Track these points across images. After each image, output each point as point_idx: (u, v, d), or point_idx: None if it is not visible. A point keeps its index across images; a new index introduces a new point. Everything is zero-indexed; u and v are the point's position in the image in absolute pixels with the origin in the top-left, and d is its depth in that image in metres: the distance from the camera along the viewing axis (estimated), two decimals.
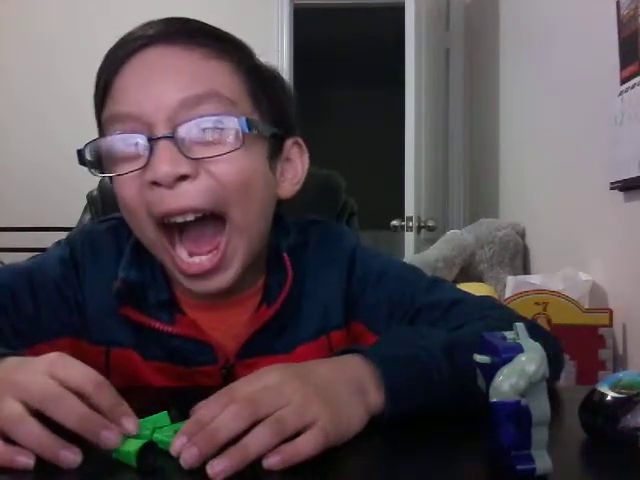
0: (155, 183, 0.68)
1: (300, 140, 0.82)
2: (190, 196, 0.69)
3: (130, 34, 0.74)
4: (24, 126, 3.53)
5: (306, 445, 0.50)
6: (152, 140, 0.69)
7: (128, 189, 0.71)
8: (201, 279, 0.72)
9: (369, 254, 0.85)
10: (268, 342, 0.79)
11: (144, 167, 0.69)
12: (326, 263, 0.83)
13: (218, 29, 0.76)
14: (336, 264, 0.83)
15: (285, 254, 0.81)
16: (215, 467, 0.47)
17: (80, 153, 0.73)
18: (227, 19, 0.79)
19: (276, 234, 0.83)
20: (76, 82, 3.42)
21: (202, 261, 0.72)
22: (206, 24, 0.76)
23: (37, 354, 0.56)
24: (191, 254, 0.72)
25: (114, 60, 0.73)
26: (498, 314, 0.75)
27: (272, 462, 0.49)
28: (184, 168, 0.68)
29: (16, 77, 3.56)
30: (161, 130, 0.69)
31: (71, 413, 0.50)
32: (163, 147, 0.68)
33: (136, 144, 0.70)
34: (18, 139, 3.53)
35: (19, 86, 3.55)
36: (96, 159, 0.73)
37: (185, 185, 0.69)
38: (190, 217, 0.70)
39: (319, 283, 0.82)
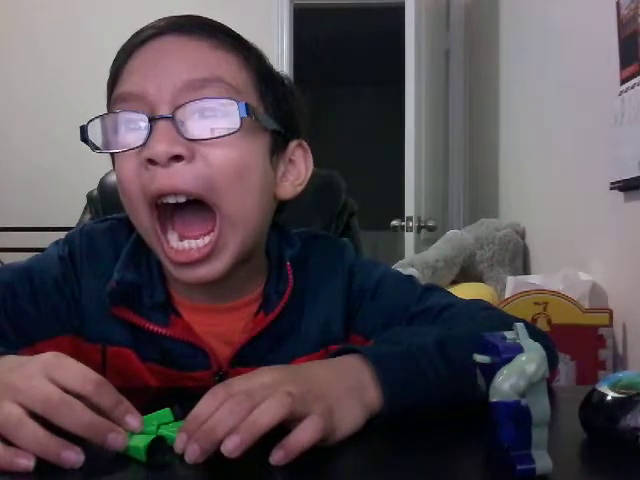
0: (150, 161, 0.69)
1: (305, 143, 0.82)
2: (182, 177, 0.69)
3: (143, 27, 0.75)
4: (24, 126, 3.53)
5: (305, 434, 0.51)
6: (152, 120, 0.69)
7: (126, 169, 0.72)
8: (188, 267, 0.72)
9: (366, 266, 0.86)
10: (264, 352, 0.78)
11: (142, 146, 0.69)
12: (327, 278, 0.84)
13: (228, 27, 0.77)
14: (337, 279, 0.84)
15: (288, 264, 0.81)
16: (227, 445, 0.48)
17: (83, 129, 0.74)
18: (227, 19, 0.79)
19: (280, 243, 0.84)
20: (76, 82, 3.43)
21: (191, 247, 0.71)
22: (216, 21, 0.77)
23: (37, 352, 0.56)
24: (182, 238, 0.72)
25: (125, 50, 0.75)
26: (487, 314, 0.77)
27: (277, 458, 0.49)
28: (179, 148, 0.68)
29: (16, 77, 3.56)
30: (162, 111, 0.70)
31: (77, 421, 0.50)
32: (161, 127, 0.69)
33: (137, 123, 0.71)
34: (18, 139, 3.53)
35: (19, 86, 3.55)
36: (99, 136, 0.74)
37: (179, 166, 0.69)
38: (182, 199, 0.70)
39: (320, 298, 0.83)
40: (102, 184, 1.16)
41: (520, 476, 0.47)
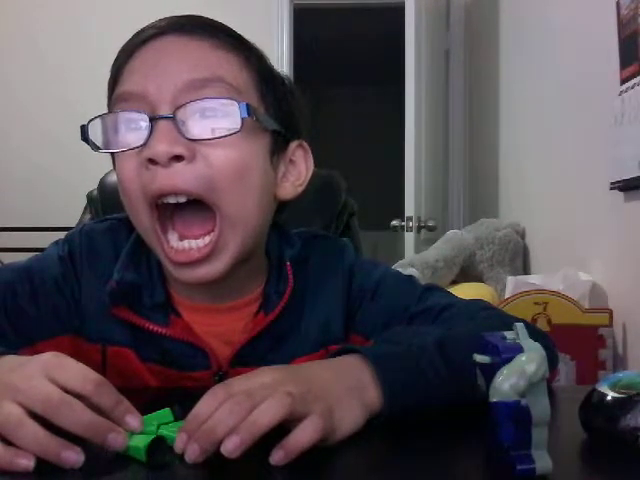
0: (151, 161, 0.69)
1: (305, 144, 0.82)
2: (183, 177, 0.69)
3: (144, 27, 0.76)
4: (24, 126, 3.53)
5: (305, 434, 0.51)
6: (153, 120, 0.69)
7: (127, 168, 0.72)
8: (188, 267, 0.72)
9: (366, 266, 0.86)
10: (264, 352, 0.78)
11: (143, 146, 0.69)
12: (327, 278, 0.84)
13: (230, 27, 0.77)
14: (337, 279, 0.84)
15: (288, 264, 0.81)
16: (227, 445, 0.48)
17: (83, 129, 0.74)
18: (227, 19, 0.79)
19: (280, 243, 0.84)
20: (76, 82, 3.43)
21: (191, 247, 0.71)
22: (217, 21, 0.77)
23: (37, 352, 0.56)
24: (182, 238, 0.72)
25: (126, 50, 0.75)
26: (487, 314, 0.78)
27: (277, 458, 0.49)
28: (180, 148, 0.68)
29: (16, 77, 3.56)
30: (163, 110, 0.70)
31: (77, 421, 0.50)
32: (162, 127, 0.69)
33: (137, 123, 0.71)
34: (18, 139, 3.53)
35: (19, 86, 3.55)
36: (99, 136, 0.74)
37: (180, 166, 0.69)
38: (182, 199, 0.70)
39: (320, 298, 0.83)
40: (102, 184, 1.16)
41: (520, 476, 0.47)
